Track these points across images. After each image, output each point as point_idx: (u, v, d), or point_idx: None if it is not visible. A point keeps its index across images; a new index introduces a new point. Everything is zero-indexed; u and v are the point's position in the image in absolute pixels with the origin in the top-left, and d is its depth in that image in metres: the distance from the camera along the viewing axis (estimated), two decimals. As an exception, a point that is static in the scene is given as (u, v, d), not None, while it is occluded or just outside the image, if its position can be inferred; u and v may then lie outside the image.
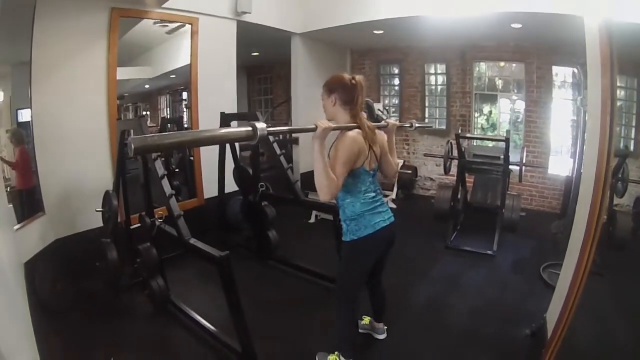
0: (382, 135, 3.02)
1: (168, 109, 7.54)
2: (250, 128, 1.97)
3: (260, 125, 1.97)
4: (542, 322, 2.81)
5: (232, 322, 3.14)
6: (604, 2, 2.22)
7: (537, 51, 7.83)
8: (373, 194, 2.90)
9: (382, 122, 3.11)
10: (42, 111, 4.65)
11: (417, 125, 3.77)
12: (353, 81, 2.79)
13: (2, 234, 3.03)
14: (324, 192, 2.57)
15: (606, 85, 2.00)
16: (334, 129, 2.61)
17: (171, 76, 7.03)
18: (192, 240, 3.47)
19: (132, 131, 4.05)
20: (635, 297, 4.48)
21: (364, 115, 2.90)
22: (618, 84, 6.85)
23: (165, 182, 3.67)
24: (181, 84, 7.14)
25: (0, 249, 2.54)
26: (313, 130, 2.50)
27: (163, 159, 4.02)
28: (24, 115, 4.64)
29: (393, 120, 3.21)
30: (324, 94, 2.91)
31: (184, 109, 7.08)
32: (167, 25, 6.09)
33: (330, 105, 2.87)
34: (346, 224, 2.89)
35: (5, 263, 2.20)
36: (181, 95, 7.30)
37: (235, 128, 2.02)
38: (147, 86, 6.92)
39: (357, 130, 2.74)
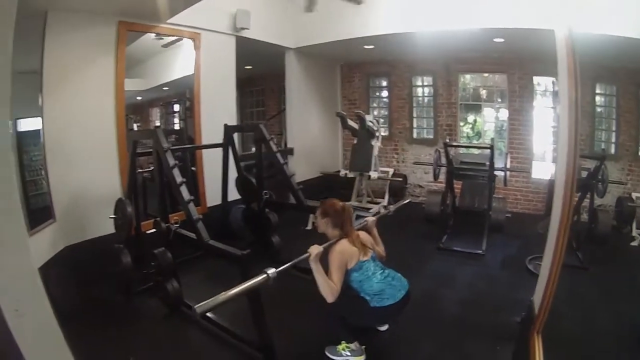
0: (366, 235, 3.67)
1: (159, 120, 7.67)
2: (264, 275, 2.75)
3: (271, 270, 2.79)
4: (530, 304, 3.10)
5: (252, 317, 3.41)
6: (572, 16, 2.51)
7: (519, 62, 8.19)
8: (381, 271, 3.45)
9: (362, 222, 3.90)
10: (52, 120, 4.84)
11: (393, 209, 4.56)
12: (342, 209, 3.53)
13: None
14: (327, 295, 3.19)
15: (571, 91, 2.30)
16: (325, 247, 3.29)
17: (164, 88, 7.21)
18: (212, 242, 3.77)
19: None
20: (614, 286, 4.90)
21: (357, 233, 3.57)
22: (597, 91, 7.26)
23: (184, 189, 3.93)
24: (174, 96, 7.32)
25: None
26: (308, 257, 3.17)
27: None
28: (23, 124, 4.77)
29: (371, 218, 3.97)
30: (319, 215, 3.60)
31: (179, 121, 7.28)
32: (162, 39, 6.33)
33: (324, 225, 3.57)
34: (370, 297, 3.34)
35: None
36: (173, 107, 7.50)
37: (254, 279, 2.75)
38: (139, 98, 7.06)
39: (344, 240, 3.41)
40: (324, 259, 3.23)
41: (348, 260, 3.30)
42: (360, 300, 3.34)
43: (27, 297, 1.86)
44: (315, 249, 3.17)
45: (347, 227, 3.45)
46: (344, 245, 3.35)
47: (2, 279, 1.74)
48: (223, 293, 2.48)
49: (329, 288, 3.16)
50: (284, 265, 2.79)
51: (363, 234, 3.60)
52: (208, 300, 2.38)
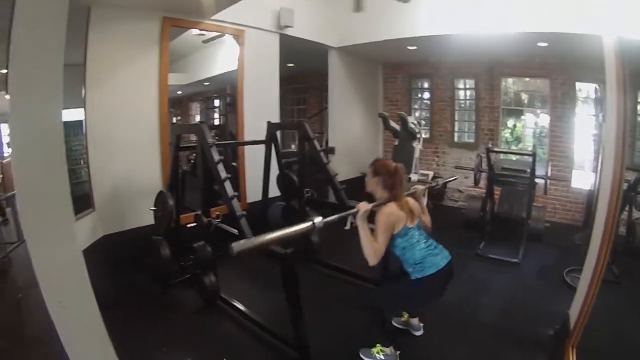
0: (414, 202, 3.54)
1: (199, 115, 7.76)
2: (310, 223, 2.68)
3: (317, 219, 2.70)
4: (566, 317, 3.09)
5: (290, 315, 3.45)
6: (620, 22, 2.47)
7: (562, 68, 8.02)
8: (425, 240, 3.33)
9: (411, 189, 3.87)
10: (95, 112, 4.97)
11: (442, 182, 4.93)
12: (395, 171, 3.37)
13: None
14: (370, 256, 3.08)
15: (619, 101, 2.27)
16: (373, 207, 3.19)
17: (205, 83, 7.29)
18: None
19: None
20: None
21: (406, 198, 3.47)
22: (639, 100, 7.04)
23: (228, 185, 4.00)
24: (214, 91, 7.39)
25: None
26: (356, 212, 3.10)
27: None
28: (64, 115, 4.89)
29: (420, 186, 3.98)
30: (370, 172, 3.46)
31: (220, 116, 7.35)
32: (204, 35, 6.41)
33: (374, 184, 3.42)
34: (412, 267, 3.26)
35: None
36: (213, 102, 7.57)
37: (300, 225, 2.69)
38: (179, 92, 7.17)
39: (392, 203, 3.27)
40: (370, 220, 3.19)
41: (395, 224, 3.20)
42: (401, 278, 3.34)
43: (72, 288, 1.92)
44: (364, 206, 3.11)
45: (397, 190, 3.33)
46: (392, 207, 3.23)
47: (49, 270, 1.79)
48: (264, 234, 2.46)
49: (372, 248, 3.06)
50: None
51: (412, 201, 3.51)
52: (247, 240, 2.37)
